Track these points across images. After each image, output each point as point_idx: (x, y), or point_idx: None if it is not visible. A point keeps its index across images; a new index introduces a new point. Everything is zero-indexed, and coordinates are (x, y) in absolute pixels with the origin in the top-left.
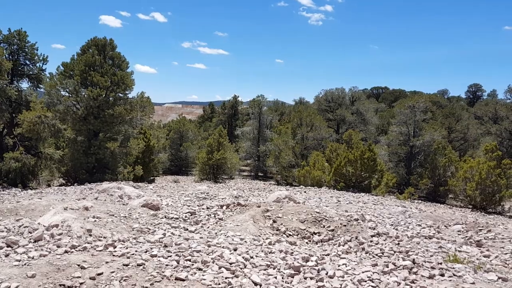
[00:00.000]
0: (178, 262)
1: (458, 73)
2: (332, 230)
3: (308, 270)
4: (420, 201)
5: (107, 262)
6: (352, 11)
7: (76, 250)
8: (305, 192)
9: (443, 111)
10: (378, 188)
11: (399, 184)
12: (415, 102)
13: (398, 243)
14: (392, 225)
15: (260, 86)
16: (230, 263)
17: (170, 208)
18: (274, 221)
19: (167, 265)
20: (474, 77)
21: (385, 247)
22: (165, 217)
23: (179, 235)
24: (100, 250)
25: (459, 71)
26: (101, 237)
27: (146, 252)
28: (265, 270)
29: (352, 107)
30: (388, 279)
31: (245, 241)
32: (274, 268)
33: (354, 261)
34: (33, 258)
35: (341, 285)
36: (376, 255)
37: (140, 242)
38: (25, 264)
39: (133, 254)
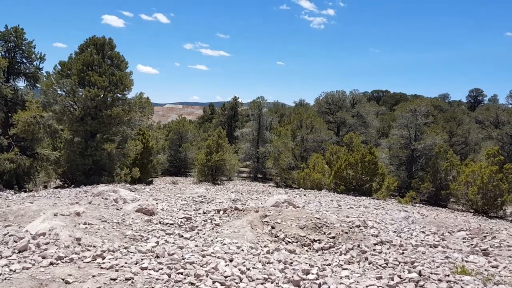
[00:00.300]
0: (169, 275)
1: (459, 78)
2: (333, 237)
3: (309, 285)
4: (421, 205)
5: (93, 276)
6: (354, 15)
7: (62, 262)
8: (304, 195)
9: (444, 115)
10: (379, 192)
11: (400, 187)
12: (417, 105)
13: (403, 252)
14: (395, 232)
15: (260, 87)
16: (225, 277)
17: (165, 213)
18: (273, 227)
19: (157, 279)
20: (475, 82)
21: (389, 257)
22: (160, 222)
23: (173, 243)
24: (88, 262)
25: (459, 75)
26: (91, 246)
27: (136, 264)
28: (262, 284)
29: (352, 109)
30: None
31: (242, 250)
32: (272, 282)
33: (357, 273)
34: (14, 271)
35: None
36: (380, 265)
37: (130, 252)
38: (5, 279)
39: (122, 267)
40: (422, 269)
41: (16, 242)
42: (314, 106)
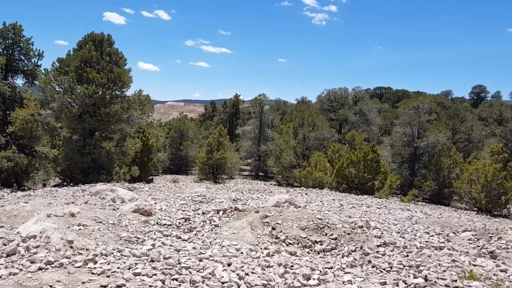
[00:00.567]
0: (163, 282)
1: (461, 74)
2: (335, 239)
3: None
4: (424, 203)
5: (83, 283)
6: (356, 12)
7: (52, 267)
8: (306, 194)
9: (447, 112)
10: (381, 190)
11: (402, 185)
12: (420, 103)
13: (407, 255)
14: (398, 232)
15: (262, 84)
16: (222, 283)
17: (163, 213)
18: (273, 228)
19: (150, 286)
20: (478, 79)
21: (393, 260)
22: (157, 223)
23: (170, 245)
24: (79, 267)
25: (462, 72)
26: (83, 249)
27: (129, 269)
28: None
29: (355, 107)
30: None
31: (241, 252)
32: None
33: (360, 277)
34: (0, 277)
35: None
36: (384, 269)
37: (124, 256)
38: None
39: (114, 272)
40: (428, 273)
41: (5, 245)
42: (316, 104)
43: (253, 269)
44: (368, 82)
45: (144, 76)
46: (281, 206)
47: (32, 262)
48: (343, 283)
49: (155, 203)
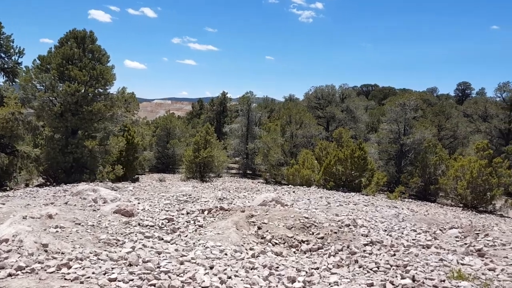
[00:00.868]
0: None
1: (447, 72)
2: (322, 238)
3: None
4: (410, 199)
5: None
6: (342, 9)
7: (22, 273)
8: (293, 192)
9: (433, 109)
10: (368, 188)
11: (389, 182)
12: (406, 100)
13: (394, 254)
14: (385, 230)
15: (250, 82)
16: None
17: (146, 213)
18: (259, 228)
19: None
20: (462, 76)
21: (380, 259)
22: (139, 224)
23: (152, 247)
24: (51, 272)
25: (447, 69)
26: (59, 253)
27: (105, 274)
28: None
29: (342, 104)
30: None
31: (225, 254)
32: None
33: (347, 278)
34: None
35: None
36: (371, 269)
37: (101, 260)
38: None
39: (88, 278)
40: (416, 273)
41: None
42: (303, 101)
43: (237, 271)
44: (355, 80)
45: (131, 74)
46: (267, 204)
47: (2, 268)
48: (330, 284)
49: (138, 203)
